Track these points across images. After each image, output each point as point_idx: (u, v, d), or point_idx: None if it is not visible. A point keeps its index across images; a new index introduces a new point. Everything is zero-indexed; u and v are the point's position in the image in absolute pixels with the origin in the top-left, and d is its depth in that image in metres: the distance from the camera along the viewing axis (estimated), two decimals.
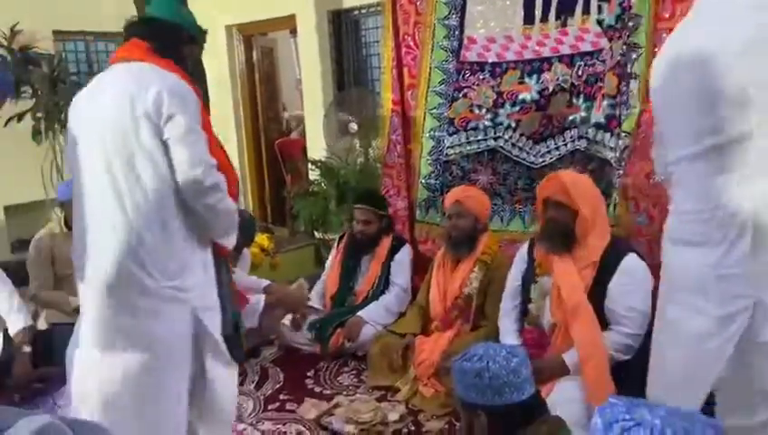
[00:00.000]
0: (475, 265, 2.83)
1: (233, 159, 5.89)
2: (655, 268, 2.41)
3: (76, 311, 2.54)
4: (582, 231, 2.27)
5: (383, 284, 3.29)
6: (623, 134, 2.87)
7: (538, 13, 3.24)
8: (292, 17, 5.31)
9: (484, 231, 2.90)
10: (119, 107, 1.62)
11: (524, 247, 2.57)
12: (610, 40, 2.99)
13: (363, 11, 4.90)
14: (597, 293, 2.22)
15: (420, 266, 3.39)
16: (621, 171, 2.80)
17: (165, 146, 1.63)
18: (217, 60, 5.71)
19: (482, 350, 1.39)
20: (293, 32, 5.87)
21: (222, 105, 5.85)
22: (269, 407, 2.76)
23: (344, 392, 2.85)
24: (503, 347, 1.42)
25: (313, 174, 4.78)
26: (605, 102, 2.97)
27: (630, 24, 2.88)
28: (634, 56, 2.86)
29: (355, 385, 2.92)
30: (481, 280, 2.80)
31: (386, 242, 3.32)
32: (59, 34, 5.49)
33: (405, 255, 3.32)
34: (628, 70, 2.89)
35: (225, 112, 5.94)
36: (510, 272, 2.58)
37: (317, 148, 4.96)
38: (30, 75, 4.84)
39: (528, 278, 2.46)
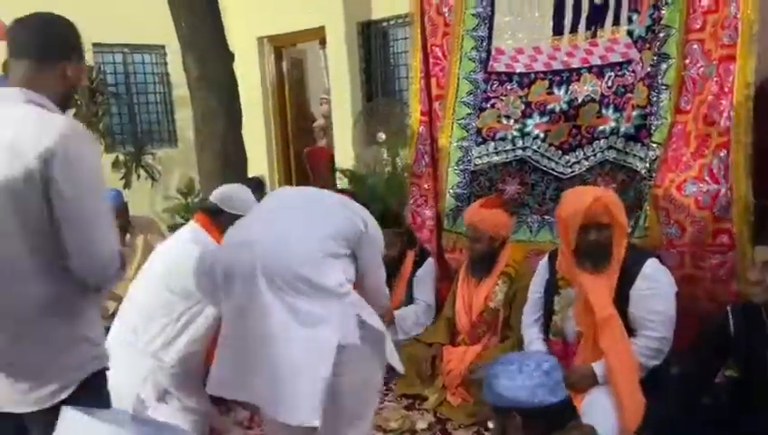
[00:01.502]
0: (499, 278, 2.83)
1: (262, 167, 6.05)
2: (686, 277, 2.41)
3: (112, 316, 2.63)
4: (617, 244, 2.26)
5: (408, 300, 3.24)
6: (654, 145, 2.87)
7: (567, 24, 3.25)
8: (321, 29, 5.41)
9: (503, 246, 2.89)
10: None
11: (544, 260, 2.54)
12: (640, 51, 2.99)
13: (392, 22, 4.97)
14: (620, 300, 2.23)
15: (447, 276, 3.41)
16: (652, 182, 2.79)
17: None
18: (249, 71, 5.83)
19: (513, 355, 1.43)
20: (323, 43, 5.97)
21: (252, 114, 5.97)
22: None
23: None
24: (533, 353, 1.45)
25: (341, 182, 4.84)
26: (635, 113, 2.96)
27: (661, 34, 2.88)
28: (664, 67, 2.86)
29: (383, 393, 2.94)
30: (506, 292, 2.80)
31: (409, 258, 3.25)
32: (98, 46, 5.67)
33: (427, 270, 3.26)
34: (659, 80, 2.88)
35: (255, 121, 6.06)
36: (531, 284, 2.56)
37: (345, 157, 5.02)
38: None
39: (550, 290, 2.45)
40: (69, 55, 1.49)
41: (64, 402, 1.39)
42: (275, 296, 1.93)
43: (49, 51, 1.46)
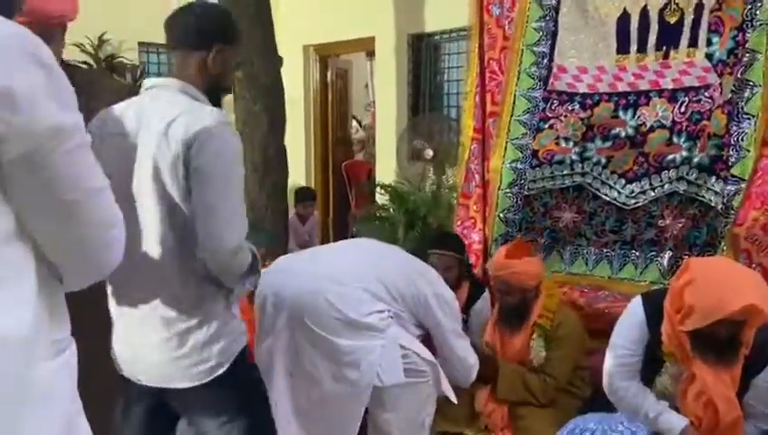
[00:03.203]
0: (533, 331, 2.56)
1: (300, 176, 5.92)
2: None
3: None
4: (748, 332, 1.85)
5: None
6: (732, 178, 2.62)
7: (633, 43, 3.02)
8: (371, 39, 5.28)
9: (536, 297, 2.61)
10: None
11: (639, 314, 2.04)
12: (720, 75, 2.75)
13: (445, 36, 4.80)
14: (740, 386, 1.89)
15: (491, 303, 3.17)
16: (730, 219, 2.54)
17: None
18: (292, 78, 5.72)
19: (593, 423, 1.19)
20: (370, 54, 5.84)
21: (294, 123, 5.84)
22: None
23: None
24: (618, 420, 1.21)
25: (382, 198, 4.66)
26: (710, 142, 2.72)
27: (745, 59, 2.64)
28: (747, 94, 2.63)
29: None
30: (545, 346, 2.55)
31: (464, 289, 2.91)
32: (143, 46, 5.64)
33: (485, 304, 2.97)
34: (740, 109, 2.64)
35: (295, 129, 5.92)
36: (618, 340, 2.08)
37: (387, 172, 4.85)
38: None
39: (652, 365, 2.00)
40: (208, 45, 1.53)
41: (220, 377, 1.49)
42: (304, 331, 1.85)
43: (189, 40, 1.53)
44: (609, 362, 2.07)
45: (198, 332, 1.47)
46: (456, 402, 2.09)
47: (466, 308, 2.91)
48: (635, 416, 1.91)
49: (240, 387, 1.53)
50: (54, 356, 0.90)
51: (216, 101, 1.55)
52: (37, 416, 0.86)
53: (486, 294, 3.01)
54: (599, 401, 2.07)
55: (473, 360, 2.13)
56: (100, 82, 1.92)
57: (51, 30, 1.62)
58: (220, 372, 1.49)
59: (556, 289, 2.79)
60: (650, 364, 2.00)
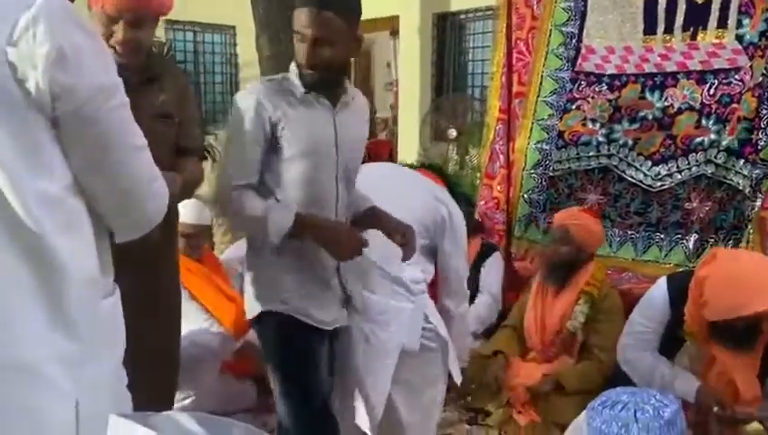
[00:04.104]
0: (579, 297, 2.55)
1: None
2: None
3: None
4: None
5: (472, 288, 3.06)
6: (760, 162, 2.61)
7: (660, 22, 2.99)
8: (395, 18, 5.26)
9: (587, 261, 2.59)
10: None
11: (661, 293, 2.06)
12: (751, 58, 2.73)
13: (470, 15, 4.78)
14: (763, 371, 1.92)
15: (514, 285, 3.20)
16: (758, 203, 2.53)
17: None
18: None
19: (626, 395, 1.21)
20: (393, 33, 5.82)
21: None
22: None
23: None
24: (651, 394, 1.23)
25: None
26: (740, 126, 2.70)
27: None
28: None
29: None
30: (587, 315, 2.53)
31: (474, 244, 2.98)
32: (169, 23, 5.68)
33: (496, 261, 3.10)
34: None
35: None
36: (637, 316, 2.11)
37: (409, 151, 4.86)
38: None
39: (672, 343, 2.03)
40: None
41: (254, 321, 1.69)
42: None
43: None
44: (624, 335, 2.15)
45: (246, 276, 1.69)
46: (458, 383, 2.09)
47: (478, 264, 3.00)
48: (649, 383, 1.95)
49: (267, 341, 1.68)
50: (106, 297, 1.03)
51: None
52: (108, 347, 1.01)
53: (498, 254, 3.11)
54: (617, 380, 2.10)
55: (467, 290, 2.18)
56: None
57: (148, 18, 1.67)
58: (252, 315, 1.66)
59: (600, 262, 2.79)
60: (671, 342, 2.03)
